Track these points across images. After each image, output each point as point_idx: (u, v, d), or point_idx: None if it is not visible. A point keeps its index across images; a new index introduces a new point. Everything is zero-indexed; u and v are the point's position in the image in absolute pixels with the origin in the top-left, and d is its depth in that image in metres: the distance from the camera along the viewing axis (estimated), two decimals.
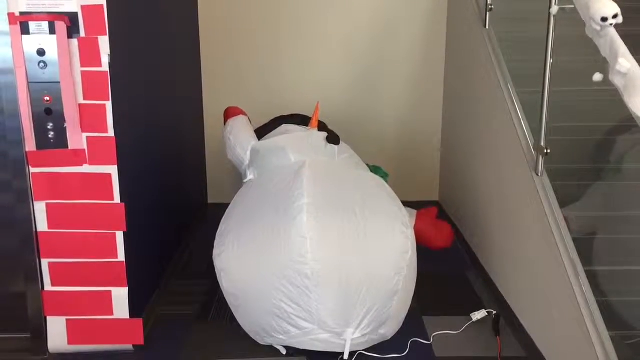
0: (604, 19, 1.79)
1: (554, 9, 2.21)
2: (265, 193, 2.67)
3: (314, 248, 2.34)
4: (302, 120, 3.36)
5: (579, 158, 2.61)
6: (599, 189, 2.45)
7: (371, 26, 4.08)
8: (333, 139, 3.05)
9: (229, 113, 3.39)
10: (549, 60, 2.28)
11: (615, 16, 1.78)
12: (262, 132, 3.28)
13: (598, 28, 1.81)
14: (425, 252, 2.58)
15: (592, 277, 2.07)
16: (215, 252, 2.55)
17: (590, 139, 2.62)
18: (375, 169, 3.38)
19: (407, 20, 4.10)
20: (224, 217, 2.69)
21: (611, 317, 1.98)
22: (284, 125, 3.25)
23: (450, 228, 3.14)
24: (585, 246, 2.20)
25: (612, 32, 1.78)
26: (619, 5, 1.84)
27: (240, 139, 3.11)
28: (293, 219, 2.39)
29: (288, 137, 3.04)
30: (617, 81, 1.70)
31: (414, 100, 4.21)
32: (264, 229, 2.45)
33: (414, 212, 3.10)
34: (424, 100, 4.21)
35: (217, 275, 2.55)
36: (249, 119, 3.35)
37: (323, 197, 2.47)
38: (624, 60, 1.67)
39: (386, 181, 3.04)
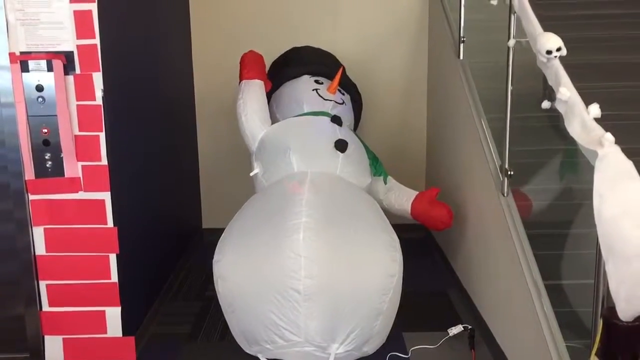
0: (549, 52, 1.96)
1: (511, 42, 2.40)
2: (266, 206, 2.81)
3: (307, 266, 2.49)
4: (322, 63, 3.65)
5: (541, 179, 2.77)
6: (559, 207, 2.60)
7: (354, 58, 4.19)
8: (341, 146, 3.07)
9: (245, 65, 3.42)
10: (509, 88, 2.46)
11: (558, 49, 1.96)
12: (280, 77, 3.53)
13: (544, 60, 1.99)
14: (409, 271, 2.73)
15: (551, 291, 2.22)
16: (215, 258, 2.70)
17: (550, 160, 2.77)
18: (375, 161, 3.44)
19: (390, 51, 4.29)
20: (227, 226, 2.82)
21: (568, 327, 2.12)
22: (304, 79, 3.49)
23: (448, 209, 3.25)
24: (546, 262, 2.34)
25: (557, 63, 1.95)
26: (568, 38, 2.02)
27: (250, 124, 3.23)
28: (289, 236, 2.54)
29: (295, 134, 3.14)
30: (560, 108, 1.86)
31: (399, 129, 4.37)
32: (262, 242, 2.61)
33: (415, 193, 3.30)
34: (408, 128, 4.37)
35: (214, 281, 2.70)
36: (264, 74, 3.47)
37: (320, 218, 2.61)
38: (565, 90, 1.83)
39: (385, 178, 3.33)
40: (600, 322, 1.61)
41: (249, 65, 3.41)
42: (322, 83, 3.53)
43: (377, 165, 3.40)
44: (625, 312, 1.51)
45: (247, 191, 3.21)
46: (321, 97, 3.43)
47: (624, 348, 1.56)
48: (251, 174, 3.19)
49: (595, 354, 1.61)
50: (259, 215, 2.79)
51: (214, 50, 4.21)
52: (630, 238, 1.48)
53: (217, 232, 2.89)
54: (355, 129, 3.76)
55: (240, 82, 3.40)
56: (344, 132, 3.21)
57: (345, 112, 3.52)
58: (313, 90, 3.46)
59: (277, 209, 2.72)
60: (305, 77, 3.56)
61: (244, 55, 3.51)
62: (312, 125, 3.25)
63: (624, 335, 1.55)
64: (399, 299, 2.69)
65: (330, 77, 3.55)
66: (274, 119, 3.41)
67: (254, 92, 3.31)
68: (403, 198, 3.38)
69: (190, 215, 4.27)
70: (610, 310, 1.57)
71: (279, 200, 2.79)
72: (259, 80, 3.37)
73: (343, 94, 3.60)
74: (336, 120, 3.24)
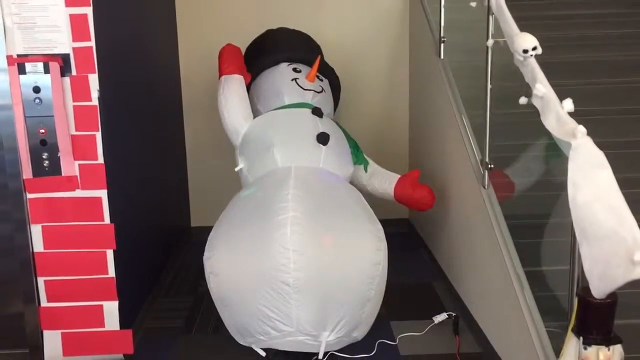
0: (525, 51, 2.09)
1: (490, 42, 2.53)
2: (253, 201, 2.87)
3: (296, 259, 2.58)
4: (298, 48, 3.69)
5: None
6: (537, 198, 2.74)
7: (337, 54, 4.24)
8: (322, 138, 3.13)
9: (224, 60, 3.41)
10: (489, 86, 2.59)
11: (534, 48, 2.09)
12: (258, 65, 3.55)
13: (521, 59, 2.11)
14: (395, 264, 2.83)
15: (531, 279, 2.35)
16: (206, 255, 2.78)
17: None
18: (356, 150, 3.46)
19: (372, 50, 4.41)
20: (216, 223, 2.89)
21: (547, 312, 2.25)
22: (282, 67, 3.53)
23: (429, 190, 3.34)
24: (526, 251, 2.47)
25: (533, 61, 2.08)
26: (544, 37, 2.16)
27: (232, 120, 3.28)
28: (277, 230, 2.63)
29: (278, 129, 3.19)
30: (536, 103, 1.99)
31: (381, 125, 4.50)
32: (250, 237, 2.69)
33: (397, 177, 3.40)
34: (390, 125, 4.50)
35: (206, 277, 2.78)
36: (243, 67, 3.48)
37: (306, 211, 2.70)
38: (541, 86, 1.96)
39: (365, 166, 3.41)
40: (576, 301, 1.74)
41: (228, 59, 3.41)
42: (300, 71, 3.55)
43: (357, 154, 3.43)
44: (598, 290, 1.63)
45: (235, 190, 3.25)
46: (300, 87, 3.47)
47: (598, 323, 1.69)
48: (236, 169, 3.26)
49: (572, 330, 1.73)
50: (246, 210, 2.86)
51: (200, 46, 4.24)
52: (602, 221, 1.60)
53: (206, 231, 2.95)
54: (334, 110, 3.82)
55: (220, 77, 3.41)
56: (325, 124, 3.26)
57: (325, 100, 3.57)
58: (292, 80, 3.49)
59: (264, 204, 2.79)
60: (283, 66, 3.58)
61: (222, 49, 3.51)
62: (294, 119, 3.29)
63: (597, 312, 1.68)
64: (384, 286, 2.80)
65: (308, 63, 3.58)
66: (255, 110, 3.44)
67: (234, 88, 3.33)
68: (385, 182, 3.44)
69: (180, 214, 4.35)
70: (584, 290, 1.70)
71: (265, 196, 2.86)
72: (239, 75, 3.38)
73: (322, 80, 3.64)
74: (317, 112, 3.29)
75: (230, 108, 3.29)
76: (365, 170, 3.47)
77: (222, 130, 3.41)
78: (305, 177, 2.93)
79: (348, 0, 4.39)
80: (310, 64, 3.59)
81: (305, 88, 3.47)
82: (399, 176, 3.43)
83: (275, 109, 3.39)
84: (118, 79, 2.81)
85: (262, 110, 3.47)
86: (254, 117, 3.37)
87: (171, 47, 4.20)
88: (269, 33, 3.88)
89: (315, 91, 3.50)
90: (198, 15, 4.30)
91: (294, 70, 3.56)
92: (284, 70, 3.57)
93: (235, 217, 2.87)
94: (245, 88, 3.40)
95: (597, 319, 1.69)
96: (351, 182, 3.34)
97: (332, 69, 3.78)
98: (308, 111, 3.29)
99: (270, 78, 3.57)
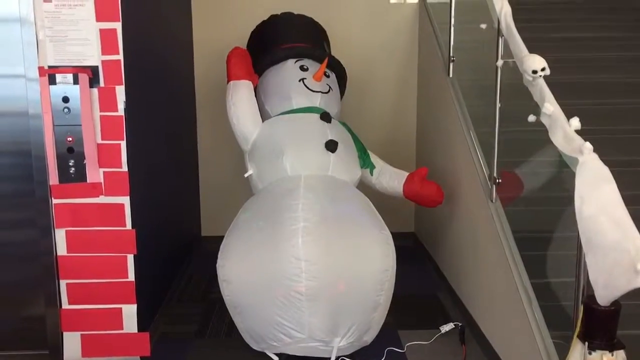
0: (534, 72, 2.20)
1: (499, 62, 2.64)
2: (264, 210, 2.94)
3: (308, 269, 2.67)
4: (304, 39, 3.63)
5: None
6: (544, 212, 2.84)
7: (347, 74, 4.25)
8: (331, 146, 3.15)
9: (233, 65, 3.40)
10: (498, 104, 2.70)
11: (543, 69, 2.20)
12: (264, 61, 3.51)
13: (530, 79, 2.23)
14: (402, 276, 2.91)
15: (537, 289, 2.44)
16: (219, 262, 2.85)
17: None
18: (363, 153, 3.49)
19: (382, 67, 4.54)
20: (228, 230, 2.96)
21: (553, 322, 2.34)
22: (289, 65, 3.49)
23: (438, 187, 3.42)
24: (532, 262, 2.57)
25: (541, 81, 2.20)
26: (551, 59, 2.27)
27: (242, 127, 3.29)
28: (288, 241, 2.71)
29: (287, 137, 3.21)
30: (545, 121, 2.10)
31: (389, 142, 4.58)
32: (263, 246, 2.77)
33: (405, 174, 3.48)
34: (398, 141, 4.60)
35: (220, 284, 2.86)
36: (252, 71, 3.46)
37: (316, 221, 2.77)
38: (549, 105, 2.08)
39: (372, 170, 3.46)
40: (581, 308, 1.83)
41: (237, 64, 3.40)
42: (307, 69, 3.50)
43: (365, 157, 3.47)
44: (603, 297, 1.74)
45: (246, 200, 3.26)
46: (308, 88, 3.43)
47: (602, 329, 1.79)
48: (245, 175, 3.29)
49: (577, 336, 1.83)
50: (257, 219, 2.92)
51: (214, 49, 4.18)
52: (607, 233, 1.71)
53: (216, 240, 3.02)
54: (341, 97, 3.79)
55: (228, 82, 3.40)
56: (333, 130, 3.26)
57: (333, 99, 3.55)
58: (299, 80, 3.45)
59: (275, 214, 2.86)
60: (290, 63, 3.53)
61: (230, 53, 3.49)
62: (302, 126, 3.30)
63: (602, 319, 1.78)
64: (393, 290, 2.88)
65: (315, 58, 3.54)
66: (262, 109, 3.44)
67: (243, 94, 3.33)
68: (394, 181, 3.50)
69: (192, 223, 4.46)
70: (589, 298, 1.80)
71: (275, 205, 2.92)
72: (247, 81, 3.37)
73: (328, 76, 3.59)
74: (325, 117, 3.30)
75: (240, 115, 3.31)
76: (372, 173, 3.51)
77: (234, 138, 3.43)
78: (315, 186, 2.99)
79: (357, 19, 4.50)
80: (316, 58, 3.55)
81: (313, 90, 3.44)
82: (407, 174, 3.50)
83: (284, 113, 3.39)
84: (142, 90, 2.92)
85: (270, 110, 3.47)
86: (262, 114, 3.38)
87: (187, 55, 4.31)
88: (273, 19, 3.82)
89: (323, 92, 3.48)
90: (213, 19, 4.37)
91: (301, 68, 3.51)
92: (290, 68, 3.51)
93: (246, 224, 2.93)
94: (253, 93, 3.40)
95: (601, 325, 1.78)
96: (360, 181, 3.40)
97: (339, 61, 3.71)
98: (316, 117, 3.30)
99: (277, 78, 3.52)
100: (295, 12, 3.89)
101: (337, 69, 3.72)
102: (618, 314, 1.78)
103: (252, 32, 3.90)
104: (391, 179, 3.52)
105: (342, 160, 3.21)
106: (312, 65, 3.55)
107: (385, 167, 3.58)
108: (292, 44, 3.61)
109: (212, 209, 4.59)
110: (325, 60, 3.51)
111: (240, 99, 3.32)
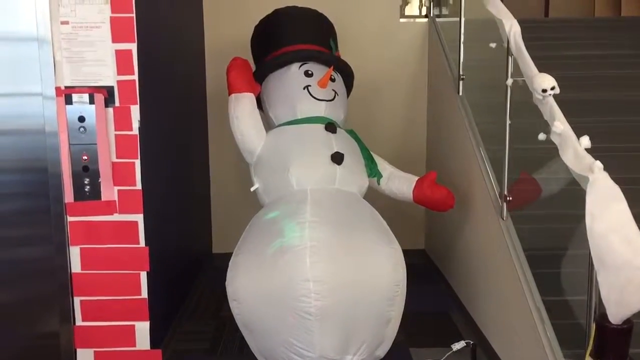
0: (544, 90, 2.23)
1: (509, 81, 2.67)
2: (271, 226, 2.91)
3: (317, 289, 2.64)
4: (309, 38, 3.48)
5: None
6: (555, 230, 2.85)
7: (356, 92, 4.14)
8: (337, 158, 3.11)
9: (234, 77, 3.31)
10: (508, 122, 2.72)
11: (552, 88, 2.22)
12: (266, 66, 3.42)
13: (540, 97, 2.25)
14: (412, 293, 2.91)
15: (549, 306, 2.44)
16: (228, 281, 2.84)
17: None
18: (370, 162, 3.43)
19: (392, 85, 4.57)
20: (236, 248, 2.94)
21: (566, 341, 2.33)
22: (293, 70, 3.39)
23: (448, 191, 3.36)
24: (544, 279, 2.57)
25: (551, 100, 2.22)
26: (560, 77, 2.30)
27: (246, 141, 3.25)
28: (296, 262, 2.69)
29: (292, 150, 3.17)
30: (555, 139, 2.12)
31: (399, 156, 4.58)
32: (271, 266, 2.74)
33: (415, 179, 3.42)
34: (407, 156, 4.60)
35: (229, 303, 2.85)
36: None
37: (323, 238, 2.75)
38: (559, 123, 2.10)
39: (379, 179, 3.41)
40: (594, 326, 1.84)
41: (237, 77, 3.31)
42: (311, 75, 3.40)
43: (372, 166, 3.42)
44: (615, 315, 1.74)
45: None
46: (313, 97, 3.35)
47: (614, 348, 1.79)
48: (252, 189, 3.28)
49: (590, 354, 1.83)
50: (265, 236, 2.89)
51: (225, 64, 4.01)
52: (618, 251, 1.72)
53: (227, 257, 3.00)
54: (347, 96, 3.70)
55: (229, 95, 3.33)
56: (339, 141, 3.21)
57: (338, 105, 3.46)
58: (304, 88, 3.36)
59: (282, 232, 2.82)
60: (294, 68, 3.43)
61: (230, 64, 3.38)
62: (307, 137, 3.25)
63: (614, 337, 1.78)
64: (404, 304, 2.86)
65: (320, 60, 3.45)
66: (265, 114, 3.42)
67: (245, 107, 3.27)
68: (404, 186, 3.44)
69: (203, 239, 4.48)
70: (602, 316, 1.81)
71: (282, 223, 2.88)
72: (249, 93, 3.31)
73: (334, 81, 3.48)
74: (330, 128, 3.24)
75: (244, 129, 3.26)
76: (379, 183, 3.46)
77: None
78: (321, 201, 2.96)
79: (367, 37, 4.54)
80: (322, 61, 3.46)
81: (318, 98, 3.36)
82: (417, 178, 3.43)
83: (288, 123, 3.34)
84: (156, 109, 2.97)
85: (274, 117, 3.43)
86: (265, 120, 3.35)
87: (199, 69, 4.35)
88: (276, 14, 3.65)
89: (328, 100, 3.39)
90: (227, 30, 4.39)
91: (306, 74, 3.41)
92: (294, 74, 3.42)
93: (254, 241, 2.91)
94: (255, 105, 3.33)
95: (613, 343, 1.79)
96: (368, 187, 3.36)
97: (345, 62, 3.61)
98: (321, 127, 3.26)
99: (281, 84, 3.44)
100: None
101: (344, 70, 3.63)
102: (630, 332, 1.78)
103: (255, 29, 3.75)
104: (400, 183, 3.46)
105: (348, 172, 3.17)
106: (317, 69, 3.43)
107: (394, 172, 3.51)
108: (297, 45, 3.48)
109: (223, 226, 4.61)
110: (331, 68, 3.42)
111: (243, 112, 3.27)
